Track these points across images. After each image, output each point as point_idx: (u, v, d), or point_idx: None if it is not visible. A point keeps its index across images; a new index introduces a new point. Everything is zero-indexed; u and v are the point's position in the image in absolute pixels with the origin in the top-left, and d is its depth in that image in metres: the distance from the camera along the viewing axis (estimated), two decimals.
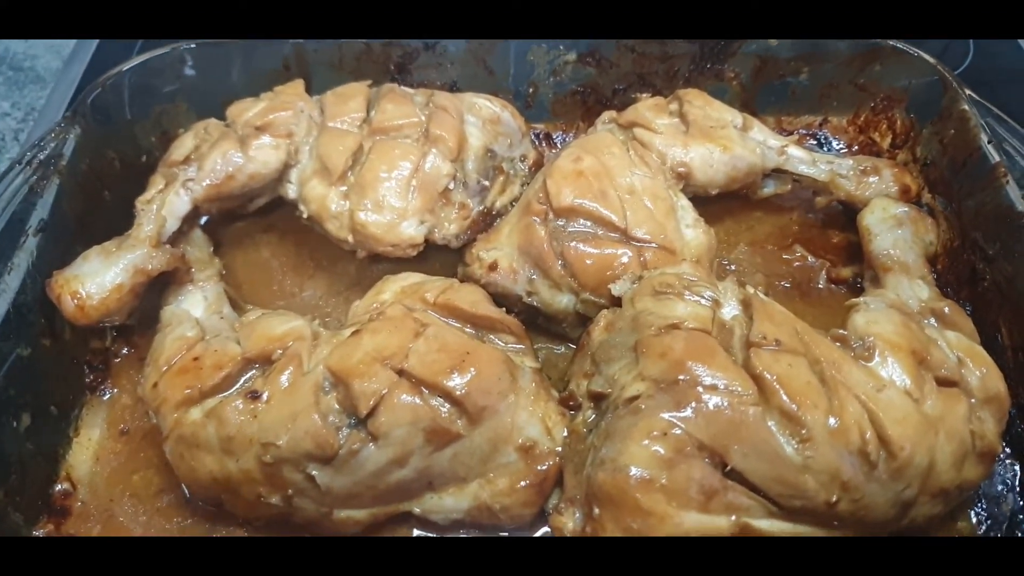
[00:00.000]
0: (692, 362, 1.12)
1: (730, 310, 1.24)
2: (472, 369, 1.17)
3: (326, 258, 1.52)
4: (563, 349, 1.45)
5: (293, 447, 1.12)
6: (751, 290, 1.27)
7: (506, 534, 1.22)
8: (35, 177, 1.34)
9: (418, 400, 1.14)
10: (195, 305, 1.34)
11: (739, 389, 1.10)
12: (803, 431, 1.08)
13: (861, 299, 1.33)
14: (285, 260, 1.53)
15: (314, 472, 1.13)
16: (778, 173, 1.59)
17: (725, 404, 1.09)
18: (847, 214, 1.59)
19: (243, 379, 1.20)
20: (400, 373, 1.16)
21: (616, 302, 1.32)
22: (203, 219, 1.55)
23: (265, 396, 1.16)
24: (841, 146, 1.74)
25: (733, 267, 1.56)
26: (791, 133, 1.74)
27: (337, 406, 1.15)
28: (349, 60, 1.62)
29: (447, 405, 1.16)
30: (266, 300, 1.46)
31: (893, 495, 1.11)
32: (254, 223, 1.57)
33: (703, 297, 1.24)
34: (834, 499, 1.08)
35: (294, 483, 1.15)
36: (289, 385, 1.16)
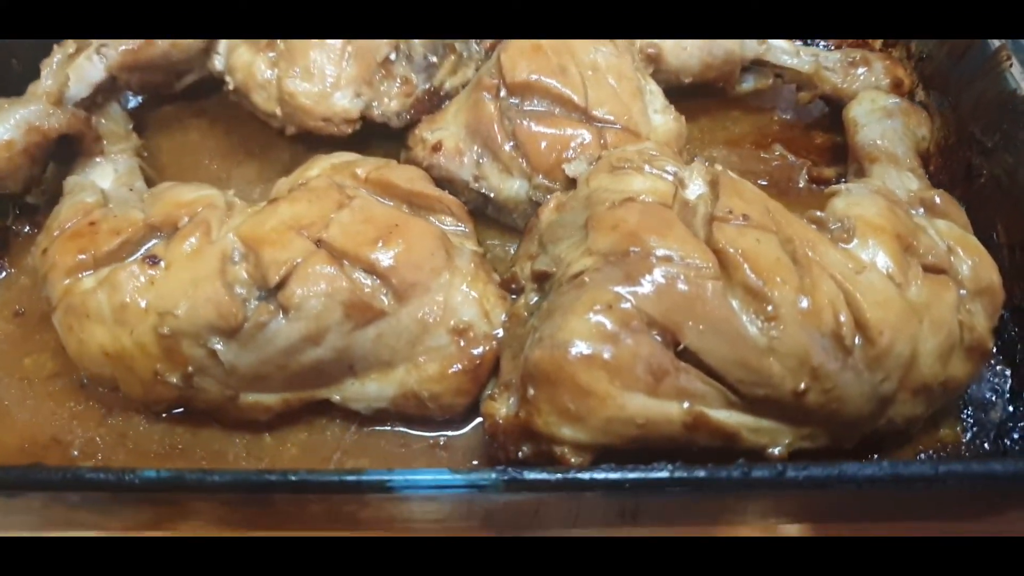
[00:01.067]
0: (646, 234, 0.99)
1: (695, 189, 1.11)
2: (401, 241, 1.04)
3: (258, 145, 1.38)
4: (515, 246, 1.31)
5: (193, 317, 0.99)
6: (720, 168, 1.13)
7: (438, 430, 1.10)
8: None
9: (335, 271, 1.01)
10: (103, 176, 1.20)
11: (697, 262, 0.97)
12: (769, 308, 0.95)
13: (842, 185, 1.20)
14: (214, 145, 1.39)
15: (217, 347, 1.01)
16: (758, 66, 1.45)
17: (680, 277, 0.96)
18: (832, 115, 1.46)
19: (144, 247, 1.07)
20: (318, 243, 1.03)
21: (572, 187, 1.19)
22: (131, 102, 1.42)
23: (164, 263, 1.03)
24: (829, 47, 1.60)
25: (704, 160, 1.42)
26: None
27: (245, 276, 1.02)
28: None
29: (371, 279, 1.03)
30: None
31: (869, 388, 0.98)
32: (184, 107, 1.43)
33: (665, 171, 1.11)
34: (802, 387, 0.96)
35: (195, 359, 1.02)
36: (192, 252, 1.03)
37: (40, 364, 1.13)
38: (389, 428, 1.09)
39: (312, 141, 1.31)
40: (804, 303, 0.97)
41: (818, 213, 1.12)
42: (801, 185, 1.40)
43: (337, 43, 1.24)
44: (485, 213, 1.30)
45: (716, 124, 1.48)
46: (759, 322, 0.96)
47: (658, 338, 0.95)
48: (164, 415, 1.09)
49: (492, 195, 1.26)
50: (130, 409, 1.09)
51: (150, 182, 1.27)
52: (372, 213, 1.07)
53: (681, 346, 0.95)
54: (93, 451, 1.06)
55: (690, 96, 1.42)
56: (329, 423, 1.09)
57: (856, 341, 0.98)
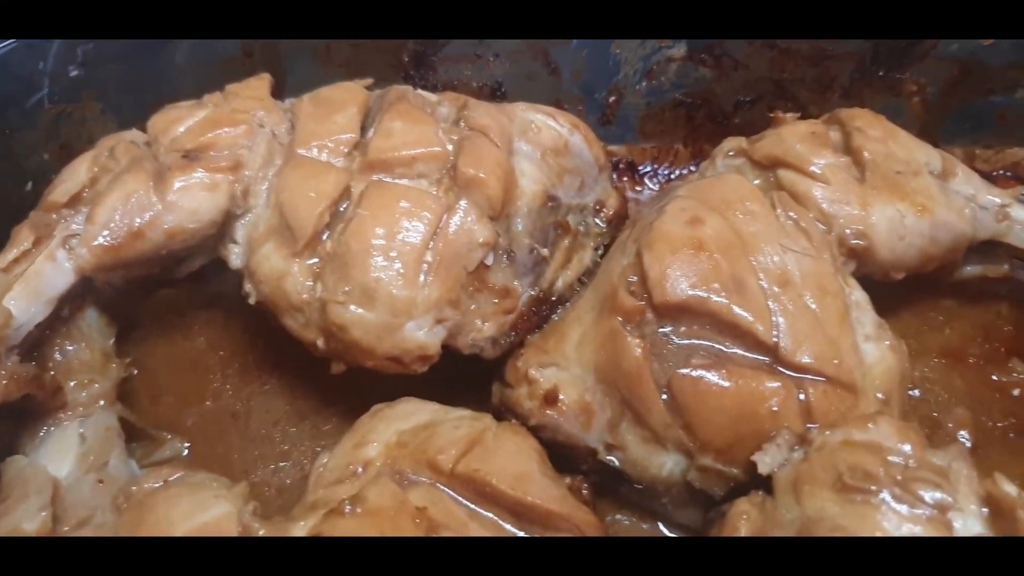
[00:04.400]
0: None
1: (968, 523, 0.71)
2: None
3: (291, 356, 0.98)
4: (647, 526, 0.91)
5: None
6: (1006, 487, 0.72)
7: None
8: None
9: None
10: (62, 454, 0.82)
11: None
12: None
13: None
14: (229, 356, 1.00)
15: None
16: (988, 246, 1.03)
17: None
18: None
19: None
20: None
21: (759, 479, 0.78)
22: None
23: None
24: None
25: (918, 392, 1.01)
26: (989, 175, 1.18)
27: None
28: (342, 47, 1.07)
29: None
30: (192, 423, 0.94)
31: None
32: (189, 294, 1.04)
33: (924, 504, 0.70)
34: None
35: None
36: None
37: None
38: None
39: None
40: None
41: None
42: None
43: (412, 247, 0.83)
44: (617, 491, 0.90)
45: (924, 323, 1.07)
46: None
47: None
48: None
49: (631, 473, 0.85)
50: None
51: (135, 433, 0.89)
52: None
53: None
54: None
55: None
56: None
57: None
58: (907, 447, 0.77)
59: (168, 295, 1.04)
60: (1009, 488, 0.74)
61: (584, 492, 0.85)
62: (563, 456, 0.88)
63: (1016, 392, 1.01)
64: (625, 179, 1.17)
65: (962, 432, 1.00)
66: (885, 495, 0.72)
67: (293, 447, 0.93)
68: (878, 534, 0.69)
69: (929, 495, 0.72)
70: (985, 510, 0.74)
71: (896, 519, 0.70)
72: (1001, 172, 1.20)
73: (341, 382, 0.96)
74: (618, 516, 0.92)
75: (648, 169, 1.18)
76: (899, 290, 1.05)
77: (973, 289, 1.09)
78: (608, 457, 0.86)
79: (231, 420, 0.95)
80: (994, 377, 1.03)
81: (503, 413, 0.91)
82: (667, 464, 0.84)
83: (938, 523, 0.70)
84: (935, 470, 0.75)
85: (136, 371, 0.97)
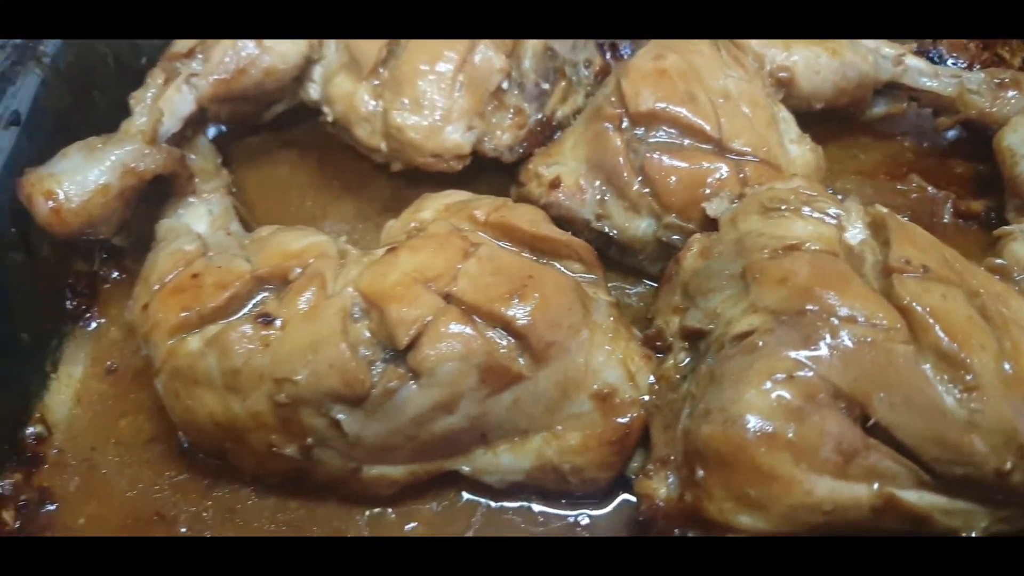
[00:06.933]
0: (822, 289, 0.88)
1: (856, 233, 1.00)
2: (536, 295, 0.94)
3: (355, 178, 1.28)
4: (640, 288, 1.20)
5: (314, 384, 0.89)
6: (883, 209, 1.02)
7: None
8: (8, 63, 1.11)
9: (471, 330, 0.90)
10: (197, 219, 1.11)
11: (884, 323, 0.86)
12: (968, 377, 0.84)
13: (1015, 227, 1.07)
14: (306, 180, 1.29)
15: (340, 416, 0.91)
16: (891, 89, 1.33)
17: (867, 340, 0.85)
18: (972, 142, 1.33)
19: (253, 302, 0.97)
20: (447, 298, 0.93)
21: (709, 226, 1.08)
22: (211, 131, 1.32)
23: (279, 322, 0.93)
24: (961, 66, 1.47)
25: (841, 197, 1.30)
26: None
27: (369, 335, 0.92)
28: None
29: (506, 339, 0.92)
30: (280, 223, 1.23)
31: None
32: (271, 138, 1.33)
33: (827, 214, 0.99)
34: (1008, 467, 0.84)
35: (315, 430, 0.92)
36: (310, 309, 0.93)
37: (137, 427, 1.04)
38: (524, 504, 0.98)
39: (412, 176, 1.21)
40: (1008, 368, 0.85)
41: (998, 261, 1.00)
42: (947, 220, 1.27)
43: (448, 71, 1.13)
44: (606, 254, 1.19)
45: (845, 152, 1.36)
46: (957, 392, 0.84)
47: (844, 411, 0.83)
48: (275, 486, 0.99)
49: (616, 235, 1.15)
50: (237, 480, 0.99)
51: (243, 223, 1.18)
52: (501, 263, 0.97)
53: (871, 421, 0.83)
54: (200, 528, 0.96)
55: (814, 122, 1.30)
56: (457, 497, 0.99)
57: None
58: (815, 189, 1.07)
59: (254, 141, 1.33)
60: (882, 208, 1.03)
61: None
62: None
63: (914, 196, 1.31)
64: (609, 55, 1.47)
65: None
66: (795, 209, 1.01)
67: (361, 238, 1.22)
68: (788, 236, 0.97)
69: (831, 210, 1.01)
70: (869, 229, 1.03)
71: (802, 223, 0.98)
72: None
73: (397, 194, 1.25)
74: (609, 284, 1.21)
75: (627, 50, 1.47)
76: (826, 125, 1.35)
77: (882, 129, 1.38)
78: (598, 224, 1.15)
79: (310, 221, 1.24)
80: (898, 187, 1.32)
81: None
82: (642, 226, 1.13)
83: (835, 228, 0.99)
84: (834, 200, 1.04)
85: (235, 190, 1.26)
